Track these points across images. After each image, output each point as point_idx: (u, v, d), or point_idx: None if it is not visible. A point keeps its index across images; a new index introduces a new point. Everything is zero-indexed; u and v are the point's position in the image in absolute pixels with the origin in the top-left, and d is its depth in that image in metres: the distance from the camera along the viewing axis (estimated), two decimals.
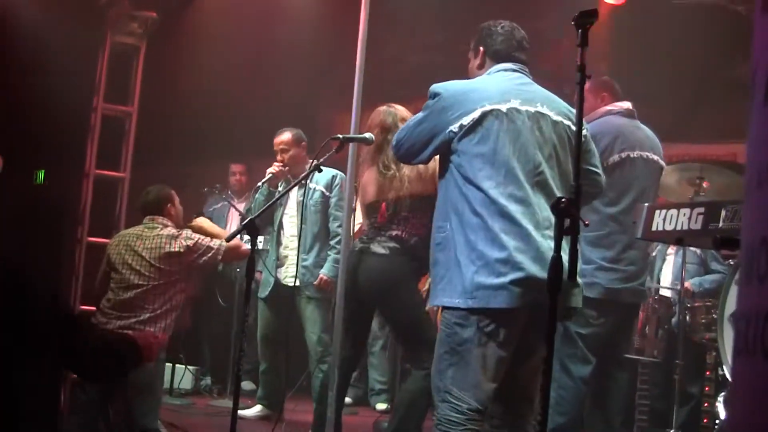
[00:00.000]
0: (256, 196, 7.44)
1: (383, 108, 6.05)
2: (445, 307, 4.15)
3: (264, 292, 7.66)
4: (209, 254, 6.42)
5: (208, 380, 9.29)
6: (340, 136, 5.50)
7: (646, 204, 3.86)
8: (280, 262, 7.64)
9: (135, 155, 9.25)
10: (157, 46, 9.50)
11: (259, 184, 7.41)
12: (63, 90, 8.56)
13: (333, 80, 10.78)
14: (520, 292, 3.95)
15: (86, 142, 9.04)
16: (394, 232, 5.79)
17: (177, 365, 8.65)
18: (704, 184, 6.83)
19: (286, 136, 7.64)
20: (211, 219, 8.75)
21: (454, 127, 4.14)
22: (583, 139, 4.36)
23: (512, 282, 3.94)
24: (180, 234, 6.41)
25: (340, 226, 7.60)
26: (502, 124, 4.15)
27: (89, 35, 8.99)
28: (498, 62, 4.45)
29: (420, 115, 4.32)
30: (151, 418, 6.22)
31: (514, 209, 4.03)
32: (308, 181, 7.18)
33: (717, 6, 8.77)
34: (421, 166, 5.56)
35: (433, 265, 4.24)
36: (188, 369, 8.86)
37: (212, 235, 6.67)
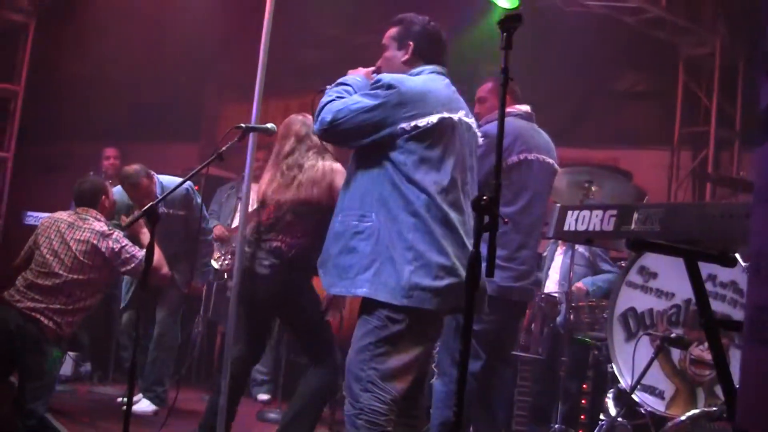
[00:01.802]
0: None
1: (299, 118, 6.15)
2: (371, 299, 4.13)
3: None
4: (131, 266, 6.30)
5: (87, 366, 9.13)
6: (243, 125, 5.47)
7: (558, 204, 3.94)
8: None
9: (18, 134, 9.09)
10: (48, 24, 9.33)
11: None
12: None
13: (221, 71, 10.74)
14: (452, 296, 4.05)
15: None
16: (274, 243, 5.87)
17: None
18: (593, 188, 6.99)
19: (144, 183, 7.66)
20: None
21: (406, 125, 4.14)
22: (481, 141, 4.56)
23: (448, 287, 4.03)
24: (111, 234, 6.27)
25: (205, 234, 8.07)
26: (453, 134, 4.24)
27: None
28: (426, 62, 4.46)
29: (368, 102, 4.20)
30: (40, 404, 6.11)
31: (454, 217, 4.12)
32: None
33: (608, 17, 8.98)
34: (318, 173, 5.78)
35: (349, 252, 4.19)
36: (69, 355, 8.69)
37: (141, 243, 6.59)
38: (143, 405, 7.51)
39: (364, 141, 4.25)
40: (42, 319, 6.06)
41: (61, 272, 6.15)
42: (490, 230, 3.32)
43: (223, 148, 5.45)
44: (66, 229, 6.26)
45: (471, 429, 6.00)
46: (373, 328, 4.15)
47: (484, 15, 9.07)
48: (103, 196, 6.54)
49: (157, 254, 6.03)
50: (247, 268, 5.84)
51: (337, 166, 5.92)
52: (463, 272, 4.00)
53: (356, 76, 4.52)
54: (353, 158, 4.43)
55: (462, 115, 4.32)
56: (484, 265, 3.39)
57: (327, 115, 4.27)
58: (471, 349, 5.52)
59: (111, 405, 7.59)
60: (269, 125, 5.53)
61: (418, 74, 4.40)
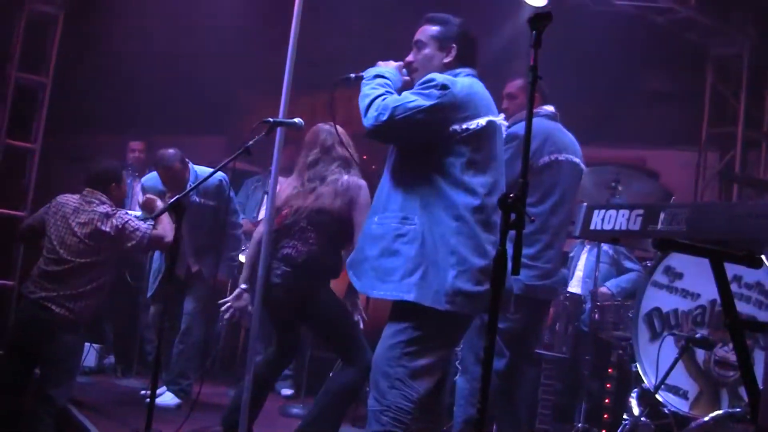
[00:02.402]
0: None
1: (325, 127, 6.13)
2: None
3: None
4: (135, 240, 6.29)
5: (111, 359, 9.17)
6: (270, 119, 5.47)
7: (585, 203, 3.93)
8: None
9: (45, 125, 9.12)
10: (77, 17, 9.35)
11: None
12: None
13: (251, 64, 10.74)
14: (486, 301, 3.94)
15: None
16: (285, 250, 5.90)
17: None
18: (619, 188, 6.98)
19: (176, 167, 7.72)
20: None
21: (458, 127, 4.16)
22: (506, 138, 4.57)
23: (486, 291, 3.97)
24: (114, 213, 6.29)
25: (234, 227, 8.06)
26: (495, 137, 4.29)
27: (6, 1, 8.84)
28: (464, 65, 4.45)
29: (425, 102, 4.15)
30: (61, 392, 6.15)
31: (496, 220, 4.09)
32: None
33: (636, 16, 8.94)
34: (341, 186, 5.80)
35: (392, 255, 4.17)
36: (93, 347, 8.73)
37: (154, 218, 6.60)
38: (167, 398, 7.53)
39: (416, 141, 4.25)
40: (54, 307, 6.10)
41: (68, 257, 6.19)
42: (517, 228, 3.32)
43: (251, 142, 5.46)
44: (70, 214, 6.28)
45: (494, 427, 6.00)
46: (406, 328, 4.16)
47: (513, 12, 9.05)
48: (114, 183, 6.51)
49: (167, 224, 6.09)
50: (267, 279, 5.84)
51: (362, 182, 5.95)
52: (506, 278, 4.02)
53: (390, 69, 4.47)
54: (393, 159, 4.40)
55: (501, 119, 4.38)
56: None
57: (383, 112, 4.16)
58: (495, 346, 5.63)
59: (134, 398, 7.61)
60: (296, 120, 5.52)
61: (456, 76, 4.37)
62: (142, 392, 7.67)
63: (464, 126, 4.15)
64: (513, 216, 3.33)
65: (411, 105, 4.14)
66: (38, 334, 6.10)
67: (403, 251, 4.13)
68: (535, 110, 5.78)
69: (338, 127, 5.20)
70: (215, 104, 11.12)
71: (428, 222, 4.11)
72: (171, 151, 7.69)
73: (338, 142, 5.79)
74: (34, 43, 9.15)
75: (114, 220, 6.24)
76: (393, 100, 4.19)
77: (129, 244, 6.32)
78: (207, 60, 10.44)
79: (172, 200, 5.15)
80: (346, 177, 5.93)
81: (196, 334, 7.76)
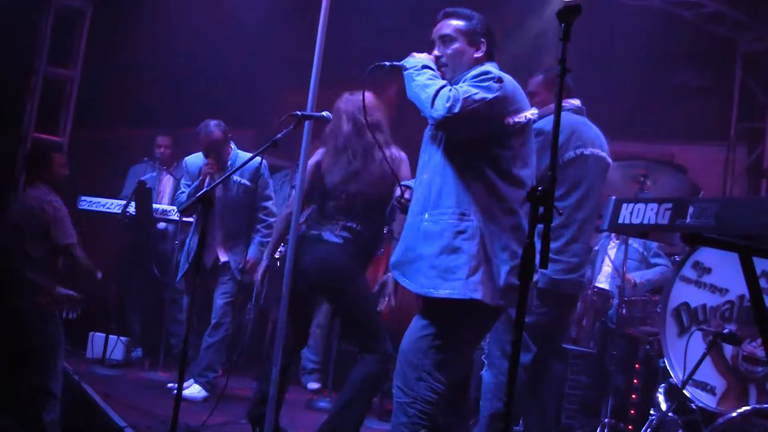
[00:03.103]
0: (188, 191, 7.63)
1: (351, 98, 6.05)
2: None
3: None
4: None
5: (139, 352, 9.21)
6: (298, 112, 5.46)
7: (613, 197, 3.92)
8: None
9: (73, 119, 9.16)
10: (105, 10, 9.37)
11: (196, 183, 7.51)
12: (3, 49, 8.43)
13: (279, 57, 10.74)
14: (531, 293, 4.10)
15: (25, 104, 8.92)
16: (348, 223, 5.83)
17: (110, 336, 8.55)
18: (648, 182, 6.95)
19: (216, 135, 7.74)
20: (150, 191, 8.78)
21: (511, 120, 4.16)
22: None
23: (535, 283, 4.08)
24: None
25: (267, 214, 7.86)
26: (532, 131, 4.32)
27: None
28: (489, 60, 4.44)
29: (487, 95, 4.12)
30: (47, 379, 6.25)
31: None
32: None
33: (665, 10, 8.91)
34: (385, 169, 5.64)
35: (452, 252, 4.12)
36: (120, 340, 8.77)
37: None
38: (194, 391, 7.55)
39: (479, 132, 4.20)
40: (22, 301, 6.31)
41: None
42: (545, 222, 3.30)
43: (279, 136, 5.47)
44: None
45: (520, 421, 5.99)
46: (436, 320, 4.15)
47: (541, 5, 9.03)
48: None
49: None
50: (313, 237, 5.81)
51: (403, 155, 5.91)
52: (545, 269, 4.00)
53: (426, 61, 4.40)
54: (440, 154, 4.32)
55: (534, 112, 4.35)
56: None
57: (454, 104, 4.06)
58: (522, 340, 5.62)
59: (162, 390, 7.63)
60: (325, 113, 5.52)
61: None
62: (169, 385, 7.70)
63: (516, 119, 4.16)
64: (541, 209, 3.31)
65: (477, 97, 4.09)
66: (17, 332, 6.34)
67: (465, 248, 4.08)
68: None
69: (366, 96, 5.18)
70: (243, 98, 11.13)
71: (484, 217, 4.10)
72: (214, 121, 7.84)
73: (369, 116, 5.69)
74: (63, 38, 9.18)
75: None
76: (462, 91, 4.11)
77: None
78: (234, 54, 10.46)
79: (199, 193, 5.14)
80: (388, 152, 5.83)
81: (225, 328, 7.76)
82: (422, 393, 4.11)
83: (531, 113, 4.24)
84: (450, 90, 4.13)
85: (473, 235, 4.08)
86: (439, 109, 4.09)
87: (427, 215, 4.23)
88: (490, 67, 4.26)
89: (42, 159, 6.84)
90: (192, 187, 7.69)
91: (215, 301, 7.80)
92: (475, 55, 4.43)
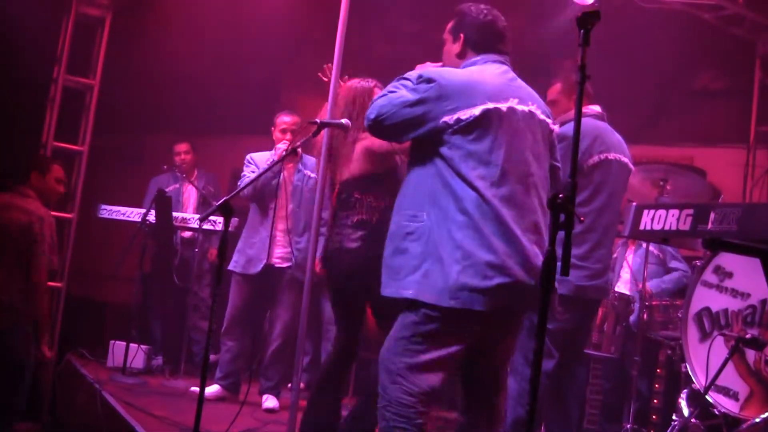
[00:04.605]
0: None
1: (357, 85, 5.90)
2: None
3: (255, 268, 7.62)
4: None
5: (159, 360, 9.22)
6: (318, 120, 5.47)
7: (634, 203, 3.91)
8: (271, 242, 7.62)
9: (93, 128, 9.20)
10: (123, 19, 9.40)
11: (275, 159, 7.31)
12: (23, 58, 8.47)
13: (299, 63, 10.76)
14: (501, 296, 3.96)
15: (45, 114, 8.96)
16: (356, 217, 5.68)
17: (130, 344, 8.55)
18: (668, 186, 6.94)
19: (294, 118, 7.72)
20: (170, 199, 8.79)
21: (449, 119, 4.06)
22: (554, 135, 4.45)
23: (498, 286, 3.94)
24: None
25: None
26: (501, 125, 4.12)
27: (54, 3, 8.90)
28: (480, 53, 4.39)
29: (409, 96, 4.13)
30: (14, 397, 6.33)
31: (506, 213, 4.02)
32: (302, 166, 7.54)
33: (684, 13, 8.87)
34: (375, 143, 5.51)
35: (401, 253, 4.14)
36: (141, 348, 8.78)
37: None
38: (212, 389, 7.62)
39: (408, 136, 4.22)
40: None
41: None
42: (566, 229, 3.29)
43: (298, 143, 5.46)
44: None
45: (542, 427, 5.98)
46: (411, 323, 4.10)
47: (560, 9, 9.01)
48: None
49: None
50: (338, 248, 5.72)
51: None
52: (514, 271, 3.97)
53: (416, 72, 4.37)
54: (409, 157, 4.40)
55: (515, 103, 4.18)
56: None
57: (372, 111, 4.23)
58: (544, 347, 5.61)
59: (183, 398, 7.63)
60: (344, 120, 5.51)
61: (471, 65, 4.36)
62: (192, 389, 7.68)
63: (455, 117, 4.06)
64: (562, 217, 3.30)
65: (397, 101, 4.15)
66: None
67: (411, 249, 4.10)
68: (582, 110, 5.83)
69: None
70: (261, 104, 11.15)
71: (436, 218, 4.04)
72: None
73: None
74: (82, 46, 9.22)
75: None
76: (385, 99, 4.21)
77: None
78: (254, 60, 10.48)
79: (220, 202, 5.13)
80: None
81: (284, 342, 7.75)
82: (396, 396, 4.06)
83: (479, 109, 4.08)
84: (379, 98, 4.25)
85: (420, 236, 4.07)
86: (366, 118, 4.30)
87: (395, 217, 4.26)
88: (430, 69, 4.27)
89: (40, 165, 6.86)
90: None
91: (278, 313, 7.77)
92: (455, 52, 4.46)
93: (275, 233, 7.57)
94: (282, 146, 7.37)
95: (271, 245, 7.54)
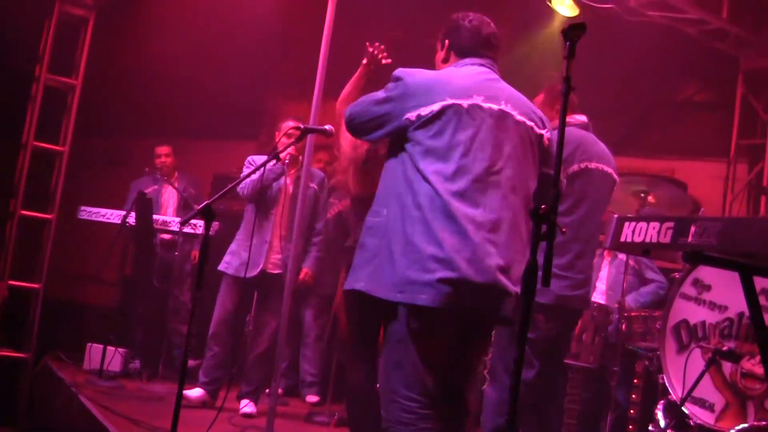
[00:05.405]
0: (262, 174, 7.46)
1: None
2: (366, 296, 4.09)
3: (251, 272, 7.51)
4: None
5: (137, 363, 9.16)
6: (302, 126, 5.49)
7: (616, 215, 3.91)
8: (268, 247, 7.65)
9: (74, 128, 9.16)
10: (107, 19, 9.38)
11: (279, 164, 7.35)
12: (4, 56, 8.43)
13: (282, 69, 10.76)
14: (448, 292, 3.91)
15: (26, 113, 8.92)
16: None
17: (107, 347, 8.50)
18: (649, 198, 6.96)
19: (299, 124, 7.68)
20: (151, 202, 8.76)
21: (411, 116, 4.09)
22: (546, 142, 4.42)
23: (440, 280, 3.89)
24: None
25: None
26: (461, 120, 4.10)
27: (37, 1, 8.87)
28: (463, 57, 4.42)
29: (379, 95, 4.24)
30: None
31: (457, 207, 3.98)
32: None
33: (668, 27, 8.92)
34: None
35: (360, 248, 4.19)
36: (117, 351, 8.73)
37: None
38: (195, 392, 7.60)
39: (377, 133, 4.27)
40: None
41: None
42: (548, 239, 3.30)
43: (281, 149, 5.46)
44: None
45: None
46: (387, 333, 4.11)
47: (546, 21, 9.05)
48: None
49: None
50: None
51: None
52: (462, 267, 3.91)
53: None
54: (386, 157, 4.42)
55: (480, 100, 4.15)
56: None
57: (347, 110, 4.38)
58: (525, 356, 5.61)
59: (160, 402, 7.60)
60: (327, 127, 5.50)
61: (452, 68, 4.40)
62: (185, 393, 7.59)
63: (417, 113, 4.08)
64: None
65: (367, 100, 4.30)
66: None
67: (367, 244, 4.14)
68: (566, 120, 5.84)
69: None
70: (245, 109, 11.16)
71: (395, 213, 4.05)
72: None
73: None
74: (65, 46, 9.19)
75: None
76: (360, 99, 4.40)
77: None
78: (237, 64, 10.47)
79: (201, 205, 5.12)
80: None
81: (268, 347, 7.71)
82: (395, 416, 4.03)
83: (439, 105, 4.08)
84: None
85: (377, 231, 4.10)
86: (345, 114, 4.42)
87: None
88: (400, 69, 4.27)
89: None
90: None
91: (266, 318, 7.78)
92: (441, 58, 4.53)
93: (272, 239, 7.57)
94: (288, 150, 7.33)
95: (268, 250, 7.55)
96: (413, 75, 4.20)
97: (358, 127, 4.34)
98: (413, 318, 3.99)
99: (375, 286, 4.04)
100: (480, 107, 4.14)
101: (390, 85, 4.23)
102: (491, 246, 4.00)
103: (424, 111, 4.08)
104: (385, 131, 4.22)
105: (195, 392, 7.57)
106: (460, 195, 4.01)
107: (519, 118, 4.25)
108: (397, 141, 4.20)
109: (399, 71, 4.25)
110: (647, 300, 7.55)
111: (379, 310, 4.12)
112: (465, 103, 4.12)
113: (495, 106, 4.18)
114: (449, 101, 4.10)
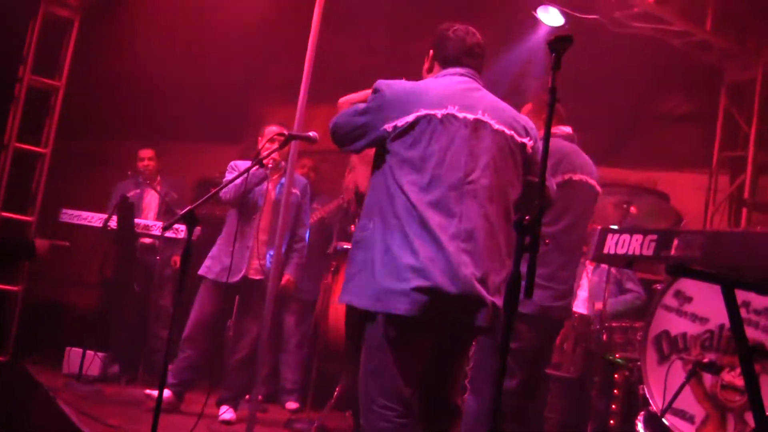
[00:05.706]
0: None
1: None
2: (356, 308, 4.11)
3: (233, 277, 7.47)
4: None
5: (116, 368, 9.11)
6: (286, 132, 5.48)
7: (599, 227, 3.93)
8: (250, 253, 7.62)
9: (57, 130, 9.13)
10: (92, 21, 9.34)
11: (263, 171, 7.38)
12: None
13: (267, 74, 10.74)
14: (424, 301, 3.91)
15: (8, 114, 8.88)
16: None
17: (87, 351, 8.45)
18: (631, 209, 6.97)
19: (282, 129, 7.63)
20: (133, 205, 8.73)
21: (388, 127, 4.12)
22: (530, 150, 4.41)
23: (415, 289, 3.90)
24: None
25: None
26: (435, 131, 4.11)
27: (22, 2, 8.83)
28: (446, 67, 4.43)
29: (360, 106, 4.27)
30: None
31: (431, 217, 3.99)
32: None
33: (652, 38, 8.94)
34: None
35: (349, 262, 4.21)
36: (96, 355, 8.68)
37: None
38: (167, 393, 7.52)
39: (359, 144, 4.30)
40: None
41: None
42: (531, 250, 3.29)
43: (265, 155, 5.44)
44: None
45: None
46: (365, 340, 4.11)
47: (531, 30, 9.06)
48: None
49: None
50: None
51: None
52: (435, 275, 3.92)
53: None
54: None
55: (455, 110, 4.15)
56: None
57: (332, 122, 4.39)
58: (507, 366, 5.60)
59: (138, 407, 7.54)
60: (311, 133, 5.49)
61: (434, 78, 4.42)
62: (147, 391, 7.56)
63: (393, 125, 4.11)
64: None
65: (348, 111, 4.33)
66: None
67: (354, 257, 4.17)
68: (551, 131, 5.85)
69: None
70: (229, 113, 11.13)
71: (379, 225, 4.07)
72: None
73: None
74: (49, 47, 9.15)
75: None
76: (343, 111, 4.39)
77: None
78: (222, 68, 10.45)
79: (184, 210, 5.09)
80: None
81: (249, 353, 7.69)
82: (373, 424, 4.03)
83: (413, 116, 4.10)
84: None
85: (364, 244, 4.11)
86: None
87: None
88: (382, 82, 4.28)
89: None
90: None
91: (247, 326, 7.75)
92: (426, 68, 4.56)
93: (254, 244, 7.54)
94: (272, 156, 7.30)
95: (250, 256, 7.53)
96: (391, 86, 4.23)
97: (340, 138, 4.35)
98: (390, 326, 4.00)
99: (358, 298, 4.07)
100: (455, 117, 4.15)
101: (370, 96, 4.27)
102: (466, 255, 4.00)
103: (400, 122, 4.11)
104: (365, 141, 4.25)
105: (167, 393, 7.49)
106: (435, 205, 4.02)
107: (497, 127, 4.23)
108: (380, 152, 4.23)
109: (379, 83, 4.27)
110: (620, 309, 7.59)
111: (364, 321, 4.13)
112: (439, 113, 4.13)
113: (470, 116, 4.18)
114: (423, 112, 4.12)
